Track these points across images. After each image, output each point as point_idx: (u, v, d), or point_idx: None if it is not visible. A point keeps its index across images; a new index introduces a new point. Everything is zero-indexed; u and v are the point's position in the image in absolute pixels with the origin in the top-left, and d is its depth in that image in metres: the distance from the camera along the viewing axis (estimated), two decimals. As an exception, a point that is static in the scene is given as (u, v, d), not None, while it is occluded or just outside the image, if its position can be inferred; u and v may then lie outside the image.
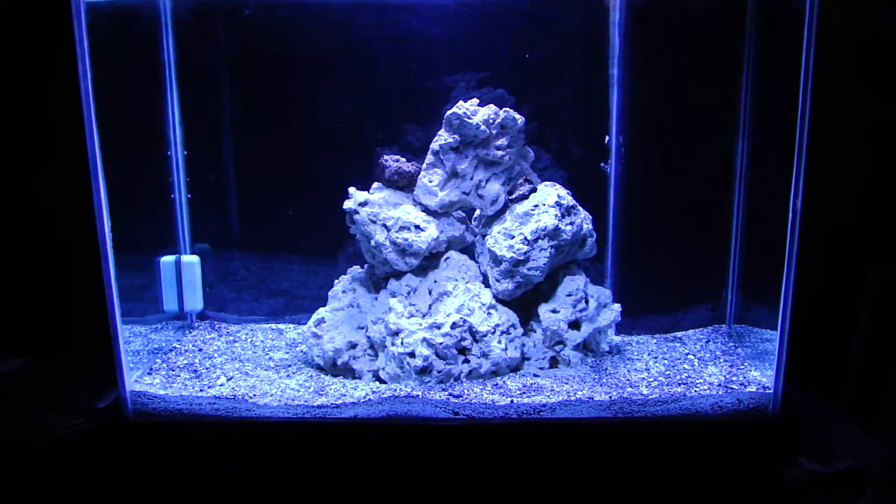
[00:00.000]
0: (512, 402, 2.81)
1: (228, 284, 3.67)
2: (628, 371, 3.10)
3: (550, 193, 3.11)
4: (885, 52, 2.91)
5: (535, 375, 3.04)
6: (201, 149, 3.49)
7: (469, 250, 3.31)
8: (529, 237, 3.03)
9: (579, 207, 3.17)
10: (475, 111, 3.08)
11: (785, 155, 2.69)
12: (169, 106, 3.40)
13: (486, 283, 3.16)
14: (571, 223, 3.09)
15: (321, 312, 3.21)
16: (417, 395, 2.84)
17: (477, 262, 3.25)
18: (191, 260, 3.47)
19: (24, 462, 2.88)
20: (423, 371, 2.91)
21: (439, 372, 2.92)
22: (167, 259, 3.44)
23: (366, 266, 3.30)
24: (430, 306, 3.07)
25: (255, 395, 2.90)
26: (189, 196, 3.50)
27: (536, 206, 3.08)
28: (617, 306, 3.20)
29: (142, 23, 3.28)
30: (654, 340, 3.45)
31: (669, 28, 3.25)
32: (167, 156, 3.42)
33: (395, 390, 2.88)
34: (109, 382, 2.88)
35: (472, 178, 3.14)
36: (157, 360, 3.22)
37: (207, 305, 3.60)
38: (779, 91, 2.80)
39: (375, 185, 3.22)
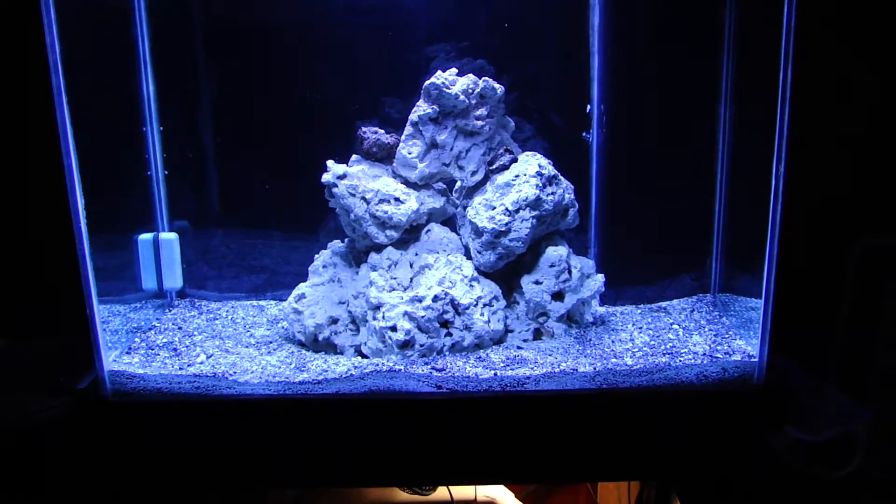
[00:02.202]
0: (496, 374, 2.79)
1: (208, 261, 3.63)
2: (613, 342, 3.08)
3: (531, 163, 3.08)
4: (867, 19, 2.89)
5: (519, 347, 3.01)
6: (178, 124, 3.44)
7: (450, 222, 3.28)
8: (511, 208, 3.00)
9: (561, 177, 3.14)
10: (454, 81, 3.04)
11: (768, 122, 2.66)
12: (143, 81, 3.35)
13: (467, 255, 3.12)
14: (553, 193, 3.06)
15: (301, 288, 3.18)
16: (400, 370, 2.81)
17: (458, 233, 3.22)
18: (169, 237, 3.42)
19: (2, 444, 2.85)
20: (405, 345, 2.88)
21: (421, 346, 2.89)
22: (145, 237, 3.39)
23: (346, 240, 3.26)
24: (411, 279, 3.04)
25: (235, 373, 2.86)
26: (166, 172, 3.45)
27: (517, 176, 3.05)
28: (600, 277, 3.18)
29: (114, -3, 3.23)
30: (639, 311, 3.44)
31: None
32: (143, 132, 3.37)
33: (378, 365, 2.86)
34: (87, 362, 2.84)
35: (451, 149, 3.11)
36: (136, 339, 3.18)
37: (187, 283, 3.57)
38: (761, 57, 2.77)
39: (354, 157, 3.18)
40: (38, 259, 3.14)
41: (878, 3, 2.90)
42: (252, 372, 2.87)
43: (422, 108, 3.06)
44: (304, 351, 3.10)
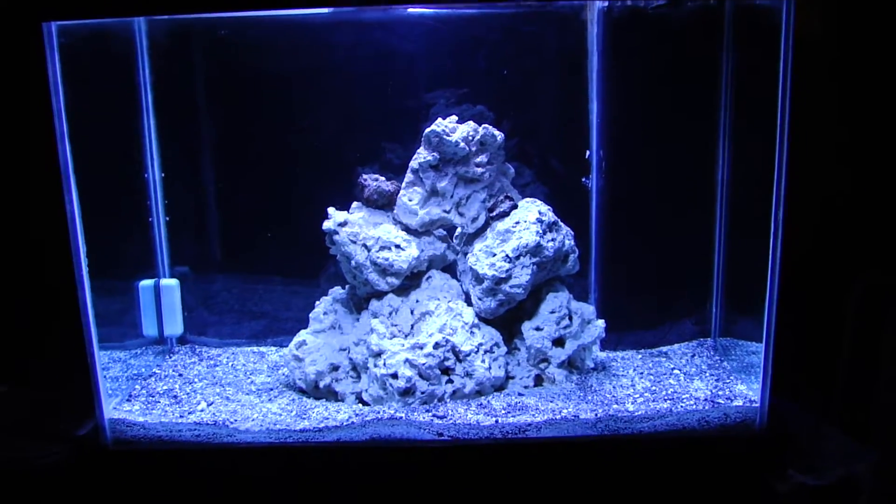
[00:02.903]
0: (497, 421, 2.79)
1: (209, 307, 3.64)
2: (614, 387, 3.07)
3: (531, 210, 3.09)
4: (860, 61, 2.91)
5: (520, 394, 3.01)
6: (179, 171, 3.46)
7: (451, 269, 3.29)
8: (511, 254, 3.01)
9: (561, 223, 3.15)
10: (454, 128, 3.06)
11: (766, 166, 2.68)
12: (145, 128, 3.37)
13: (468, 302, 3.13)
14: (553, 239, 3.07)
15: (302, 335, 3.17)
16: (401, 417, 2.81)
17: (459, 280, 3.23)
18: (170, 283, 3.43)
19: (1, 491, 2.84)
20: (407, 392, 2.88)
21: (423, 393, 2.89)
22: (146, 283, 3.40)
23: (347, 287, 3.27)
24: (412, 326, 3.04)
25: (236, 421, 2.86)
26: (167, 219, 3.47)
27: (517, 222, 3.06)
28: (601, 322, 3.18)
29: (117, 44, 3.25)
30: (640, 356, 3.43)
31: (647, 42, 3.24)
32: (145, 178, 3.39)
33: (379, 412, 2.85)
34: (88, 409, 2.84)
35: (452, 196, 3.12)
36: (137, 386, 3.17)
37: (188, 329, 3.57)
38: (758, 102, 2.79)
39: (355, 204, 3.19)
40: (40, 304, 3.14)
41: (875, 48, 2.93)
42: (253, 420, 2.87)
43: (422, 155, 3.08)
44: (304, 398, 3.09)
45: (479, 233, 3.18)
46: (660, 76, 3.31)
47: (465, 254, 3.19)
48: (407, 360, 2.90)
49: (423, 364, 2.89)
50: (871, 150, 2.99)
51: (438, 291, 3.13)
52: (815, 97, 2.74)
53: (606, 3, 3.21)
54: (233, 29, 3.29)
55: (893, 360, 2.97)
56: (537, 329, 3.09)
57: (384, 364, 2.91)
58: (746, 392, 2.99)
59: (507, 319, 3.16)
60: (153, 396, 3.10)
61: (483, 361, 2.98)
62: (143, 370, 3.31)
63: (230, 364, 3.45)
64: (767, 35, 2.64)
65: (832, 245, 3.03)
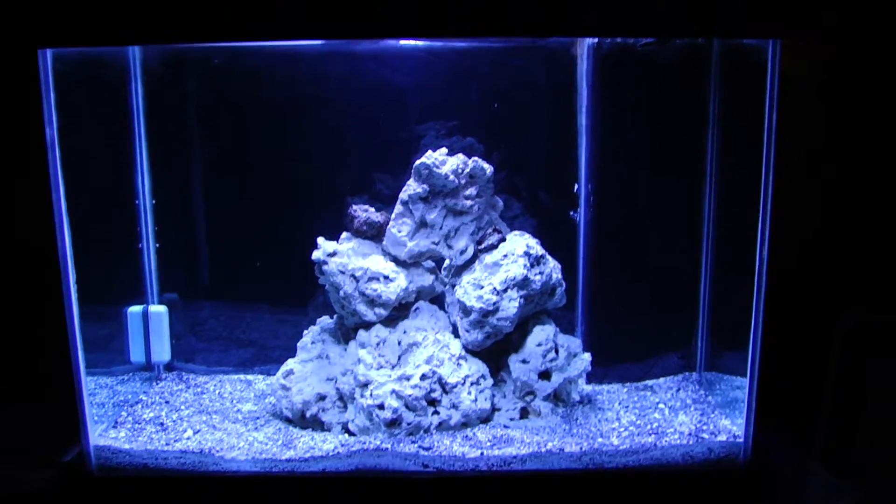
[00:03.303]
0: (482, 454, 2.79)
1: (197, 334, 3.64)
2: (599, 421, 3.09)
3: (519, 243, 3.12)
4: (845, 100, 2.95)
5: (506, 426, 3.02)
6: (170, 198, 3.47)
7: (439, 300, 3.30)
8: (499, 287, 3.03)
9: (548, 257, 3.17)
10: (444, 161, 3.08)
11: (752, 202, 2.71)
12: (138, 154, 3.39)
13: (455, 334, 3.14)
14: (541, 273, 3.09)
15: (290, 364, 3.18)
16: (387, 448, 2.81)
17: (447, 311, 3.24)
18: (158, 310, 3.43)
19: (-15, 518, 2.83)
20: (393, 423, 2.89)
21: (409, 424, 2.90)
22: (134, 309, 3.40)
23: (335, 316, 3.28)
24: (399, 357, 3.05)
25: (222, 449, 2.86)
26: (157, 245, 3.47)
27: (505, 255, 3.08)
28: (587, 356, 3.19)
29: (111, 72, 3.28)
30: (625, 389, 3.44)
31: (636, 78, 3.28)
32: (136, 205, 3.40)
33: (365, 443, 2.86)
34: (73, 436, 2.83)
35: (441, 228, 3.14)
36: (123, 413, 3.17)
37: (175, 356, 3.56)
38: (745, 138, 2.83)
39: (344, 235, 3.21)
40: (27, 330, 3.14)
41: (859, 87, 2.97)
42: (239, 448, 2.87)
43: (412, 187, 3.10)
44: (291, 427, 3.09)
45: (468, 265, 3.20)
46: (648, 112, 3.34)
47: (454, 285, 3.20)
48: (394, 391, 2.90)
49: (410, 395, 2.90)
50: (856, 186, 3.02)
51: (426, 323, 3.14)
52: (801, 134, 2.77)
53: (596, 40, 3.24)
54: (226, 58, 3.32)
55: (877, 397, 2.99)
56: (524, 362, 3.11)
57: (371, 395, 2.92)
58: (731, 427, 3.00)
59: (494, 352, 3.17)
60: (139, 423, 3.10)
61: (469, 393, 2.99)
62: (130, 397, 3.31)
63: (217, 392, 3.45)
64: (754, 73, 2.68)
65: (817, 281, 3.05)
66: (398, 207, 3.14)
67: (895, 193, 2.89)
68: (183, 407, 3.27)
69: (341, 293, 3.08)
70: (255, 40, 3.14)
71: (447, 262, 3.30)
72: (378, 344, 3.08)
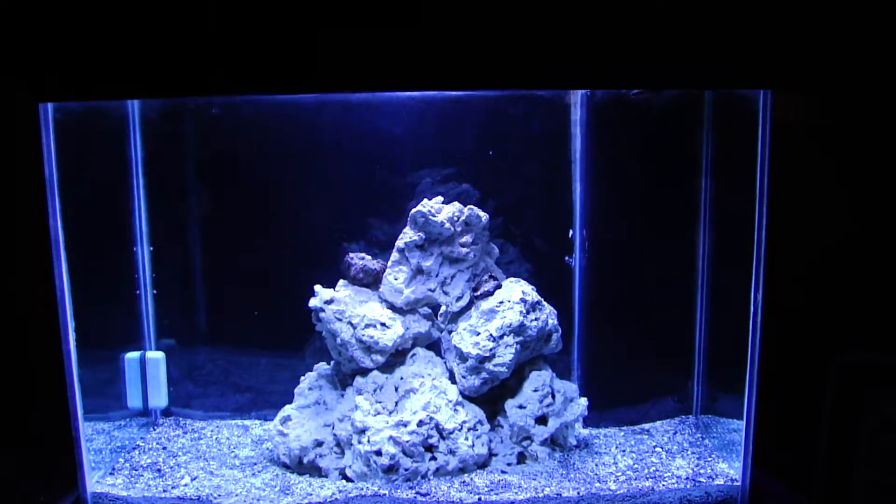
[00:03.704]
0: (480, 499, 2.80)
1: (194, 380, 3.64)
2: (596, 465, 3.09)
3: (515, 290, 3.14)
4: (836, 148, 2.99)
5: (503, 472, 3.02)
6: (167, 245, 3.49)
7: (435, 346, 3.31)
8: (495, 334, 3.04)
9: (544, 303, 3.19)
10: (440, 209, 3.11)
11: (746, 246, 2.74)
12: (135, 202, 3.41)
13: (452, 380, 3.15)
14: (537, 319, 3.11)
15: (287, 410, 3.18)
16: (384, 494, 2.81)
17: (443, 358, 3.26)
18: (156, 356, 3.44)
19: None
20: (390, 469, 2.89)
21: (406, 470, 2.90)
22: (132, 355, 3.41)
23: (332, 363, 3.29)
24: (396, 403, 3.06)
25: (219, 496, 2.86)
26: (155, 292, 3.49)
27: (501, 302, 3.10)
28: (583, 400, 3.20)
29: (110, 121, 3.31)
30: (622, 433, 3.45)
31: (629, 125, 3.32)
32: (133, 252, 3.42)
33: (362, 489, 2.86)
34: (70, 482, 2.83)
35: (437, 275, 3.17)
36: (120, 459, 3.17)
37: (172, 401, 3.57)
38: (738, 184, 2.85)
39: (341, 282, 3.23)
40: (25, 376, 3.14)
41: (850, 136, 3.00)
42: (236, 495, 2.87)
43: (408, 234, 3.13)
44: (288, 473, 3.09)
45: (464, 311, 3.22)
46: (641, 158, 3.38)
47: (450, 332, 3.22)
48: (391, 438, 2.91)
49: (407, 441, 2.90)
50: (848, 231, 3.05)
51: (423, 369, 3.16)
52: (793, 181, 2.80)
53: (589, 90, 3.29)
54: (223, 108, 3.36)
55: (871, 439, 2.99)
56: (520, 407, 3.12)
57: (368, 441, 2.93)
58: (728, 470, 3.01)
59: (491, 397, 3.17)
60: (136, 470, 3.10)
61: (466, 439, 3.00)
62: (127, 442, 3.31)
63: (214, 437, 3.45)
64: (746, 121, 2.72)
65: (813, 324, 3.06)
66: (395, 255, 3.17)
67: (887, 238, 2.92)
68: (180, 453, 3.26)
69: (338, 340, 3.09)
70: (250, 94, 3.18)
71: (443, 308, 3.32)
72: (375, 390, 3.09)
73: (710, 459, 3.13)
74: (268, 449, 3.29)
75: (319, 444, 3.08)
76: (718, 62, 2.63)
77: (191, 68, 2.60)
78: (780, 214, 2.70)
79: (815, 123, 2.94)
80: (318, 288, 3.12)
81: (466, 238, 3.14)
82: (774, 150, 2.67)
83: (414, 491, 2.84)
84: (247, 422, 3.63)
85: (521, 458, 3.12)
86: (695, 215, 3.36)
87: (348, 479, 2.99)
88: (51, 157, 2.67)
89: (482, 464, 3.06)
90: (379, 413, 3.01)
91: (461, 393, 3.10)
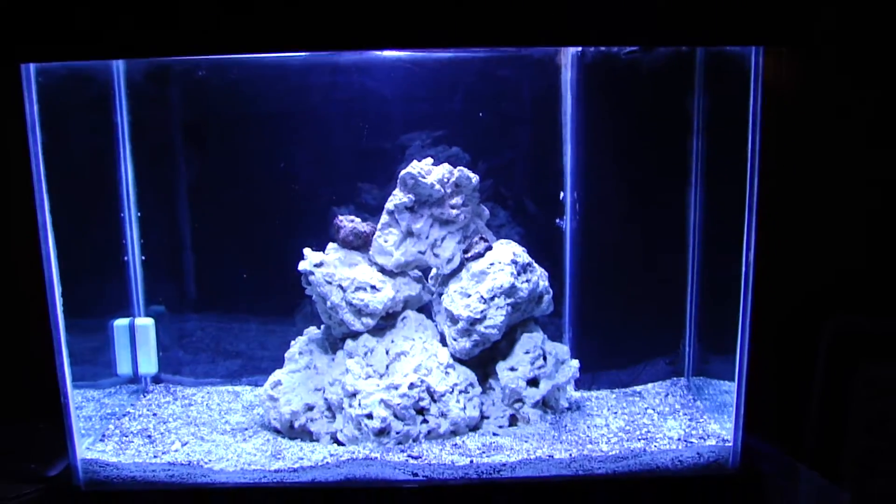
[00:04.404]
0: (472, 462, 2.79)
1: (184, 347, 3.63)
2: (588, 427, 3.09)
3: (506, 251, 3.12)
4: (829, 106, 2.97)
5: (495, 434, 3.02)
6: (155, 210, 3.46)
7: (426, 309, 3.30)
8: (486, 295, 3.03)
9: (535, 265, 3.18)
10: (429, 171, 3.09)
11: (737, 207, 2.72)
12: (122, 167, 3.38)
13: (443, 342, 3.14)
14: (527, 281, 3.10)
15: (277, 374, 3.17)
16: (376, 458, 2.81)
17: (434, 321, 3.25)
18: (145, 323, 3.42)
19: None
20: (381, 433, 2.88)
21: (397, 433, 2.89)
22: (121, 322, 3.39)
23: (322, 327, 3.28)
24: (387, 367, 3.05)
25: (210, 461, 2.85)
26: (143, 258, 3.46)
27: (492, 264, 3.08)
28: (575, 362, 3.20)
29: (94, 84, 3.27)
30: (614, 395, 3.45)
31: (620, 86, 3.29)
32: (121, 217, 3.39)
33: (354, 452, 2.85)
34: (60, 449, 2.82)
35: (427, 237, 3.15)
36: (110, 426, 3.16)
37: (162, 368, 3.56)
38: (729, 144, 2.84)
39: (331, 245, 3.21)
40: (12, 343, 3.13)
41: (843, 94, 2.99)
42: (227, 460, 2.86)
43: (398, 196, 3.10)
44: (279, 438, 3.08)
45: (455, 274, 3.20)
46: (633, 119, 3.36)
47: (441, 294, 3.21)
48: (382, 401, 2.90)
49: (398, 404, 2.89)
50: (842, 190, 3.04)
51: (414, 332, 3.15)
52: (785, 140, 2.79)
53: (580, 49, 3.25)
54: (210, 70, 3.32)
55: (863, 402, 3.00)
56: (512, 369, 3.11)
57: (359, 404, 2.92)
58: (720, 431, 3.01)
59: (482, 360, 3.17)
60: (127, 436, 3.08)
61: (458, 402, 2.99)
62: (117, 409, 3.29)
63: (205, 403, 3.44)
64: (738, 80, 2.70)
65: (803, 284, 3.06)
66: (384, 217, 3.15)
67: (882, 197, 2.91)
68: (171, 419, 3.25)
69: (328, 303, 3.07)
70: (240, 53, 3.14)
71: (434, 271, 3.30)
72: (366, 354, 3.07)
73: (701, 421, 3.13)
74: (259, 414, 3.28)
75: (310, 408, 3.08)
76: (709, 18, 2.60)
77: (175, 27, 2.57)
78: (772, 174, 2.69)
79: (808, 81, 2.92)
80: (307, 251, 3.10)
81: (457, 200, 3.12)
82: (766, 110, 2.65)
83: (405, 454, 2.84)
84: (237, 388, 3.62)
85: (513, 420, 3.11)
86: (686, 176, 3.34)
87: (339, 443, 2.99)
88: (34, 122, 2.63)
89: (474, 426, 3.06)
90: (370, 376, 3.00)
91: (452, 356, 3.09)
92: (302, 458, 2.87)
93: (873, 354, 3.00)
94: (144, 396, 3.50)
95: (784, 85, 2.75)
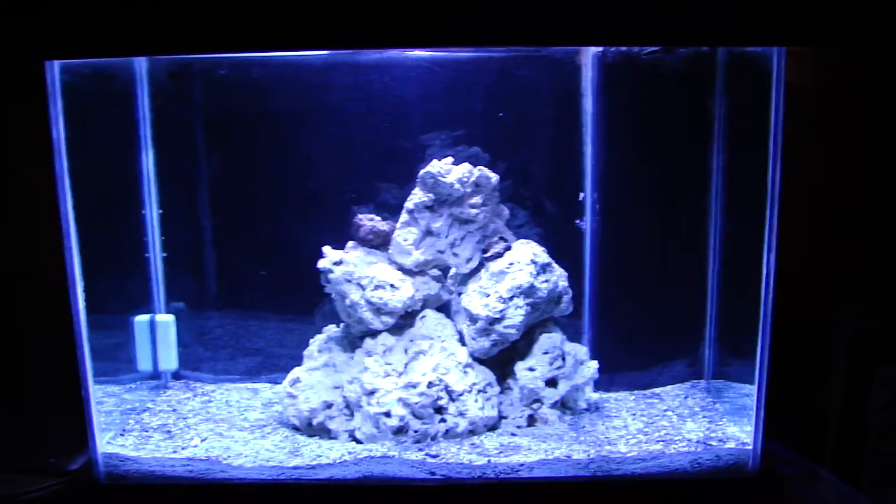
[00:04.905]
0: (489, 461, 2.79)
1: (204, 343, 3.64)
2: (606, 428, 3.08)
3: (525, 251, 3.12)
4: (850, 108, 2.96)
5: (513, 434, 3.02)
6: (177, 208, 3.48)
7: (445, 308, 3.30)
8: (505, 295, 3.03)
9: (554, 265, 3.17)
10: (449, 170, 3.09)
11: (758, 210, 2.71)
12: (144, 165, 3.39)
13: (462, 342, 3.14)
14: (547, 280, 3.09)
15: (296, 372, 3.18)
16: (393, 456, 2.81)
17: (453, 320, 3.25)
18: (166, 319, 3.44)
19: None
20: (399, 431, 2.89)
21: (415, 432, 2.90)
22: (142, 318, 3.41)
23: (342, 325, 3.28)
24: (405, 365, 3.05)
25: (229, 457, 2.86)
26: (164, 255, 3.48)
27: (511, 263, 3.08)
28: (594, 363, 3.19)
29: (117, 83, 3.28)
30: (633, 397, 3.44)
31: (641, 86, 3.28)
32: (142, 215, 3.41)
33: (371, 451, 2.86)
34: (81, 444, 2.84)
35: (446, 237, 3.15)
36: (130, 421, 3.18)
37: (182, 365, 3.57)
38: (750, 146, 2.82)
39: (350, 244, 3.22)
40: (35, 339, 3.16)
41: (864, 95, 2.98)
42: (246, 456, 2.87)
43: (418, 195, 3.11)
44: (297, 435, 3.09)
45: (474, 273, 3.20)
46: (653, 120, 3.34)
47: (460, 294, 3.21)
48: (400, 399, 2.91)
49: (417, 403, 2.90)
50: (863, 194, 3.03)
51: (432, 331, 3.15)
52: (807, 142, 2.78)
53: (601, 49, 3.25)
54: (232, 69, 3.32)
55: (882, 407, 2.98)
56: (530, 369, 3.11)
57: (377, 402, 2.92)
58: (739, 434, 2.99)
59: (501, 359, 3.17)
60: (146, 431, 3.10)
61: (476, 401, 2.99)
62: (137, 405, 3.32)
63: (224, 400, 3.45)
64: (760, 81, 2.68)
65: (824, 288, 3.05)
66: (404, 216, 3.15)
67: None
68: (190, 415, 3.27)
69: (347, 301, 3.08)
70: (260, 51, 3.15)
71: (453, 270, 3.31)
72: (384, 352, 3.08)
73: (721, 423, 3.11)
74: (277, 411, 3.29)
75: (329, 406, 3.08)
76: (731, 18, 2.59)
77: (198, 25, 2.58)
78: (793, 177, 2.67)
79: (830, 83, 2.91)
80: (326, 249, 3.11)
81: (476, 199, 3.12)
82: (788, 111, 2.64)
83: (423, 452, 2.84)
84: (256, 385, 3.63)
85: (531, 420, 3.11)
86: (707, 178, 3.32)
87: (357, 441, 2.99)
88: (58, 119, 2.65)
89: (492, 426, 3.06)
90: (388, 375, 3.01)
91: (471, 355, 3.10)
92: (320, 456, 2.87)
93: (890, 358, 2.99)
94: (164, 392, 3.52)
95: (806, 86, 2.74)
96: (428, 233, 3.14)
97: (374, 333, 3.13)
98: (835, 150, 2.96)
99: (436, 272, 3.28)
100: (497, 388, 3.10)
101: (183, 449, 2.94)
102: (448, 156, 3.16)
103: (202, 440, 3.01)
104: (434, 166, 3.07)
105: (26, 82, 2.66)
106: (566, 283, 3.20)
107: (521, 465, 2.78)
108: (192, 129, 3.45)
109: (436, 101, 3.36)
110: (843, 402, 3.05)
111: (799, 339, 2.96)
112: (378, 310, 3.08)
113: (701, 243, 3.38)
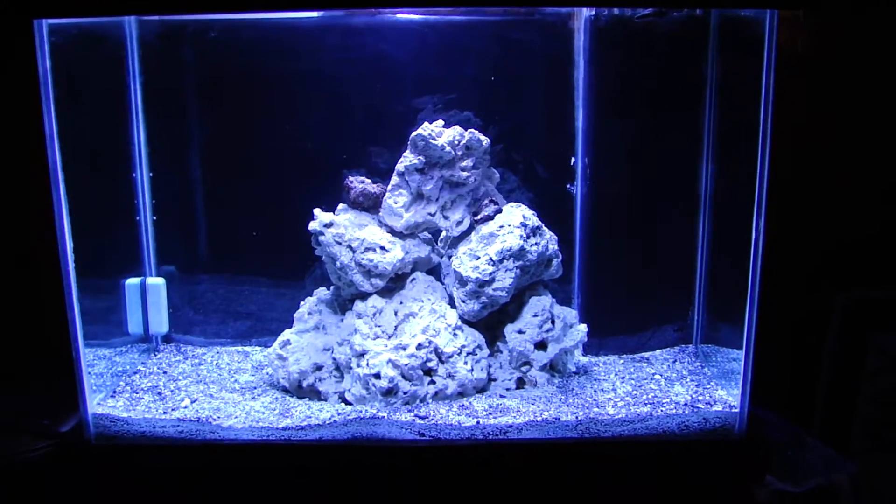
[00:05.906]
0: (478, 423, 2.81)
1: (194, 307, 3.64)
2: (595, 391, 3.10)
3: (515, 214, 3.12)
4: (843, 73, 2.95)
5: (502, 396, 3.03)
6: (167, 171, 3.47)
7: (435, 271, 3.31)
8: (495, 258, 3.03)
9: (545, 228, 3.18)
10: (440, 132, 3.09)
11: (748, 175, 2.71)
12: (134, 127, 3.38)
13: (452, 304, 3.15)
14: (537, 244, 3.10)
15: (286, 334, 3.19)
16: (383, 417, 2.83)
17: (443, 283, 3.26)
18: (156, 282, 3.45)
19: (-16, 486, 2.84)
20: (389, 392, 2.90)
21: (405, 393, 2.91)
22: (132, 281, 3.41)
23: (332, 288, 3.29)
24: (395, 327, 3.06)
25: (219, 418, 2.88)
26: (154, 218, 3.48)
27: (502, 226, 3.09)
28: (583, 327, 3.20)
29: (107, 44, 3.27)
30: (621, 361, 3.46)
31: (633, 50, 3.27)
32: (132, 178, 3.40)
33: (361, 412, 2.87)
34: (72, 405, 2.85)
35: (437, 200, 3.15)
36: (121, 383, 3.19)
37: (173, 328, 3.58)
38: (741, 111, 2.82)
39: (341, 206, 3.22)
40: (25, 302, 3.15)
41: (857, 61, 2.97)
42: (236, 417, 2.89)
43: (408, 158, 3.10)
44: (288, 397, 3.10)
45: (464, 236, 3.21)
46: (645, 84, 3.34)
47: (450, 256, 3.22)
48: (390, 361, 2.92)
49: (406, 365, 2.91)
50: (853, 159, 3.03)
51: (422, 293, 3.16)
52: (798, 107, 2.78)
53: (593, 12, 3.24)
54: (223, 31, 3.31)
55: (874, 374, 3.00)
56: (520, 332, 3.12)
57: (367, 364, 2.93)
58: (726, 398, 3.01)
59: (490, 322, 3.18)
60: (137, 393, 3.11)
61: (465, 363, 3.00)
62: (128, 367, 3.32)
63: (214, 363, 3.46)
64: (752, 45, 2.68)
65: (813, 253, 3.06)
66: (394, 179, 3.15)
67: (893, 166, 2.90)
68: (180, 377, 3.28)
69: (338, 264, 3.08)
70: (252, 11, 3.14)
71: (443, 233, 3.31)
72: (374, 314, 3.08)
73: (708, 387, 3.13)
74: (267, 374, 3.31)
75: (319, 367, 3.10)
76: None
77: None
78: (784, 141, 2.67)
79: (822, 47, 2.90)
80: (317, 211, 3.11)
81: (467, 162, 3.12)
82: (780, 76, 2.63)
83: (412, 414, 2.86)
84: (247, 348, 3.64)
85: (520, 383, 3.13)
86: (698, 143, 3.32)
87: (347, 403, 3.00)
88: (47, 79, 2.63)
89: (481, 388, 3.07)
90: (378, 337, 3.02)
91: (460, 317, 3.11)
92: (310, 417, 2.89)
93: (884, 325, 3.00)
94: (155, 355, 3.52)
95: (798, 50, 2.73)
96: (418, 195, 3.14)
97: (364, 296, 3.13)
98: (826, 114, 2.95)
99: (426, 235, 3.28)
100: (486, 351, 3.12)
101: (173, 410, 2.95)
102: (439, 119, 3.15)
103: (192, 401, 3.03)
104: (425, 128, 3.06)
105: (14, 42, 2.64)
106: (556, 247, 3.20)
107: (510, 426, 2.80)
108: (183, 91, 3.44)
109: (428, 64, 3.35)
110: (833, 367, 3.06)
111: (788, 303, 2.97)
112: (368, 272, 3.08)
113: (692, 208, 3.39)
